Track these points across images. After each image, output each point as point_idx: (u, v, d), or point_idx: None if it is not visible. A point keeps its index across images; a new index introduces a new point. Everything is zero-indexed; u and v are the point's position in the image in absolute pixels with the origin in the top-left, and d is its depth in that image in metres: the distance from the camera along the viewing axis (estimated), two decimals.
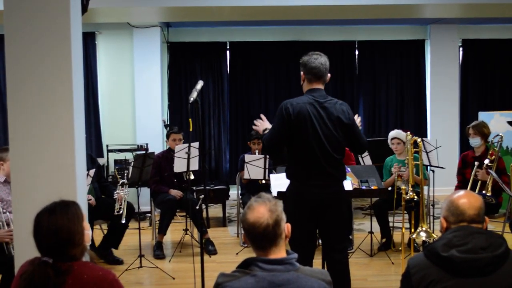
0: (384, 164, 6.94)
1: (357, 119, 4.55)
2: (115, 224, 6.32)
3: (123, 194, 6.25)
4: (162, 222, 6.78)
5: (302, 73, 4.43)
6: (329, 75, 4.46)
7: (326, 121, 4.25)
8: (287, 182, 4.46)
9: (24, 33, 3.74)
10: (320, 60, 4.37)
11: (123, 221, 6.12)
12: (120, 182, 6.38)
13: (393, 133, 6.81)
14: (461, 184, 6.54)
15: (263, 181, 7.01)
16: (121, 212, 6.13)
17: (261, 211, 2.49)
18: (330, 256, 4.44)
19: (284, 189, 4.55)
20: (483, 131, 6.39)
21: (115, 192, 6.34)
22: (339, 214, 4.38)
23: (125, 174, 6.40)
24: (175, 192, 6.98)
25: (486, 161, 6.14)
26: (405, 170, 6.27)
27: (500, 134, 6.32)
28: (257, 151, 7.34)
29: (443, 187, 7.91)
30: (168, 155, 7.16)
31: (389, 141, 6.84)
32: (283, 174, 4.58)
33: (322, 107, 4.27)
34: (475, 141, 6.42)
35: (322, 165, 4.26)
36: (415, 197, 5.45)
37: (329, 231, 4.40)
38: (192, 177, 6.27)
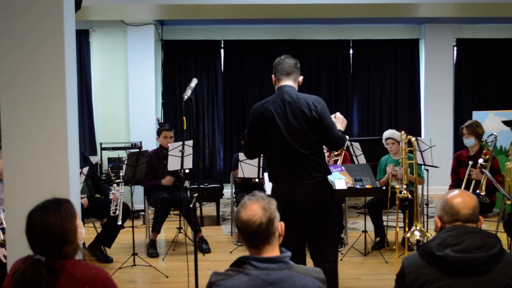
0: (379, 163, 6.94)
1: (336, 116, 4.41)
2: (110, 223, 6.29)
3: (119, 194, 6.20)
4: (156, 220, 6.76)
5: (272, 76, 4.36)
6: (301, 77, 4.36)
7: (289, 116, 4.13)
8: None
9: (17, 31, 3.72)
10: (288, 58, 4.31)
11: (119, 223, 6.03)
12: (116, 182, 6.34)
13: (387, 133, 6.80)
14: (455, 183, 6.54)
15: (256, 180, 7.00)
16: (117, 213, 6.08)
17: (255, 209, 2.48)
18: (315, 263, 4.19)
19: None
20: (477, 131, 6.39)
21: (110, 193, 6.29)
22: (318, 215, 4.18)
23: (120, 174, 6.32)
24: (167, 180, 6.97)
25: (480, 161, 6.14)
26: (399, 169, 6.26)
27: (494, 133, 6.32)
28: None
29: (437, 186, 7.93)
30: (159, 153, 7.14)
31: (383, 141, 6.84)
32: None
33: (285, 102, 4.16)
34: (469, 141, 6.42)
35: (288, 163, 4.15)
36: (409, 196, 5.46)
37: (309, 234, 4.23)
38: (187, 170, 6.23)
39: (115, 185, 6.30)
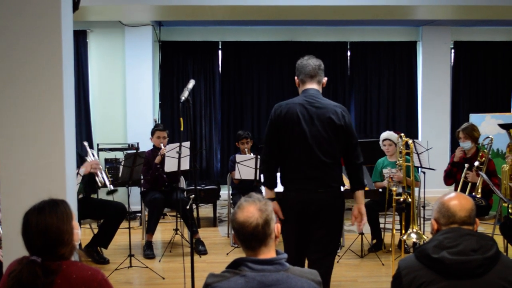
0: (376, 165, 6.93)
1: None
2: (107, 224, 6.29)
3: (94, 160, 6.14)
4: (150, 221, 6.76)
5: (296, 77, 4.25)
6: (325, 78, 4.25)
7: (315, 121, 4.01)
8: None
9: (14, 31, 3.71)
10: (312, 60, 4.19)
11: (111, 187, 5.97)
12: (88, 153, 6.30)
13: (385, 134, 6.80)
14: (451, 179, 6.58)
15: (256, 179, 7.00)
16: (104, 181, 6.00)
17: (251, 210, 2.48)
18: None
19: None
20: (473, 134, 6.40)
21: (86, 158, 6.22)
22: (325, 225, 4.08)
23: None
24: (157, 159, 6.95)
25: (476, 163, 6.15)
26: (395, 171, 6.26)
27: (490, 136, 6.34)
28: (246, 150, 7.34)
29: (434, 189, 7.94)
30: (154, 154, 7.12)
31: (380, 142, 6.84)
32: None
33: (312, 106, 4.04)
34: (466, 144, 6.42)
35: (307, 169, 4.03)
36: (409, 198, 5.45)
37: (312, 240, 4.12)
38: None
39: (90, 156, 6.23)
